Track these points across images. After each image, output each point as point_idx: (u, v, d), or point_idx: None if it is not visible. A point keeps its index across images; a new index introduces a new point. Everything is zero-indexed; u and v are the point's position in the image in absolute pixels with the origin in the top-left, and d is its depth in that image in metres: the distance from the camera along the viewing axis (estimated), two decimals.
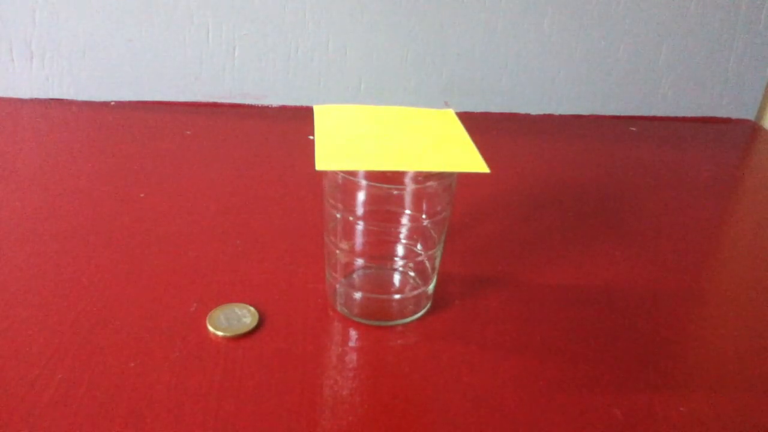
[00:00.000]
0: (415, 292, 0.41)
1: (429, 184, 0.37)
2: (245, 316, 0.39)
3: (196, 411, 0.32)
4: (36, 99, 0.75)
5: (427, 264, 0.40)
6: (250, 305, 0.40)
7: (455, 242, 0.49)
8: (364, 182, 0.36)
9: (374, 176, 0.36)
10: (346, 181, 0.37)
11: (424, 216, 0.38)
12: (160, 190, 0.55)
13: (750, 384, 0.36)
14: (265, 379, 0.34)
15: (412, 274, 0.42)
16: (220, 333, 0.37)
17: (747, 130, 0.81)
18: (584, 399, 0.34)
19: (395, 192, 0.37)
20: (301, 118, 0.75)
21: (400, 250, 0.41)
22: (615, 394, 0.35)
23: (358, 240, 0.39)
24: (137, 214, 0.51)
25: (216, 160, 0.63)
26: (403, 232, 0.40)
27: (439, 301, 0.42)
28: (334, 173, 0.37)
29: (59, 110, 0.73)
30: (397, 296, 0.41)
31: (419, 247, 0.40)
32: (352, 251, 0.39)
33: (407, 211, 0.38)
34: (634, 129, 0.79)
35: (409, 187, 0.37)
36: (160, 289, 0.41)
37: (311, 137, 0.34)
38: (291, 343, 0.37)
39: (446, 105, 0.80)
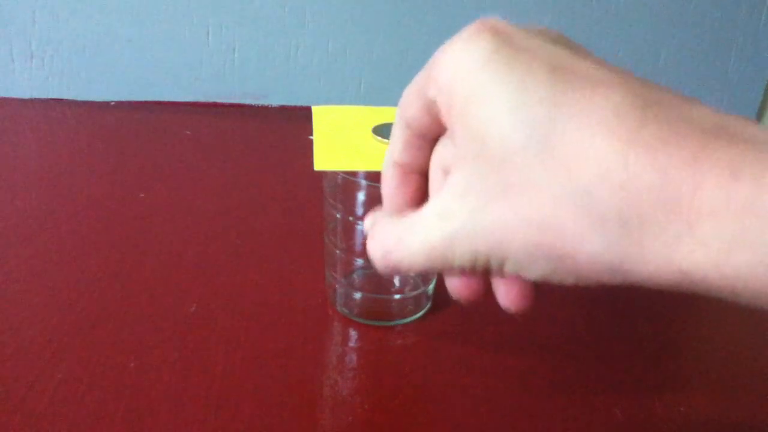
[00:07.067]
0: (415, 292, 0.41)
1: None
2: None
3: (196, 411, 0.32)
4: (36, 99, 0.75)
5: None
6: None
7: None
8: (364, 182, 0.36)
9: (374, 176, 0.36)
10: (346, 181, 0.37)
11: None
12: (160, 190, 0.55)
13: (750, 384, 0.36)
14: (265, 379, 0.34)
15: (412, 274, 0.42)
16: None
17: None
18: (584, 399, 0.34)
19: None
20: (301, 118, 0.75)
21: None
22: (615, 394, 0.35)
23: (358, 240, 0.39)
24: (137, 214, 0.51)
25: (216, 160, 0.63)
26: None
27: (439, 301, 0.42)
28: (334, 173, 0.37)
29: (59, 110, 0.73)
30: (397, 296, 0.41)
31: None
32: (352, 251, 0.39)
33: None
34: None
35: None
36: (160, 290, 0.41)
37: (311, 137, 0.34)
38: (291, 343, 0.37)
39: None
